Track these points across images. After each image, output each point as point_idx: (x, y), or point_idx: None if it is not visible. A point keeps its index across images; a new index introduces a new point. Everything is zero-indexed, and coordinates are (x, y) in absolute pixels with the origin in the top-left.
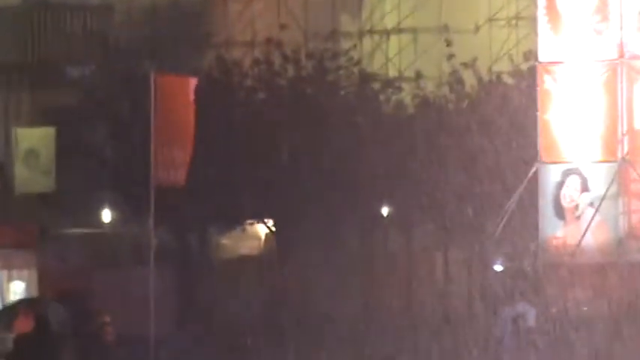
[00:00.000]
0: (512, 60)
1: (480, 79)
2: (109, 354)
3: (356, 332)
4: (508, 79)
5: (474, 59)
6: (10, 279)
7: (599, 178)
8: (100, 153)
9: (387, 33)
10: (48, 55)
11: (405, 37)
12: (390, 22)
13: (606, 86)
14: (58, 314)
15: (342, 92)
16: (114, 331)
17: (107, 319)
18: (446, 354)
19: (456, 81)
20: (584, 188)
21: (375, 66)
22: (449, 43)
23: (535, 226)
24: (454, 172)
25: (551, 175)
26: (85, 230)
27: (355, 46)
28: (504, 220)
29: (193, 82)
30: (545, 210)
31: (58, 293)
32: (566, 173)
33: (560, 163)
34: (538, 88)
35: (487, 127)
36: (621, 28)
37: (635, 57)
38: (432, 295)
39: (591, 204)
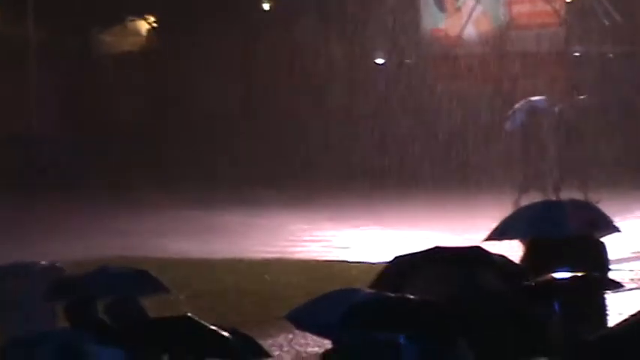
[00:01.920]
0: None
1: None
2: None
3: (240, 128)
4: None
5: None
6: None
7: None
8: None
9: None
10: None
11: None
12: None
13: None
14: None
15: None
16: None
17: None
18: (334, 145)
19: None
20: None
21: None
22: None
23: (416, 19)
24: None
25: None
26: None
27: None
28: (386, 12)
29: None
30: (427, 2)
31: None
32: None
33: None
34: None
35: None
36: None
37: None
38: (313, 89)
39: None
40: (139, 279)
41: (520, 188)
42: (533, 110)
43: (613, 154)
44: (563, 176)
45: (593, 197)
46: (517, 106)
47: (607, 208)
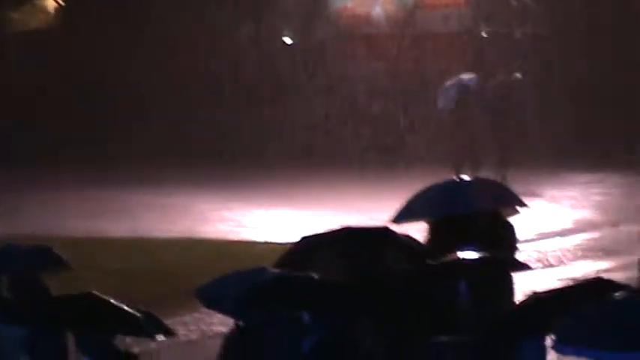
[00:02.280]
0: None
1: None
2: None
3: (148, 107)
4: None
5: None
6: None
7: None
8: None
9: None
10: None
11: None
12: None
13: None
14: None
15: None
16: None
17: None
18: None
19: None
20: None
21: None
22: None
23: None
24: None
25: None
26: None
27: None
28: None
29: None
30: None
31: None
32: None
33: None
34: None
35: None
36: None
37: None
38: (229, 68)
39: None
40: (41, 256)
41: (455, 165)
42: (464, 88)
43: (534, 133)
44: (491, 154)
45: (506, 176)
46: (448, 83)
47: (516, 187)
